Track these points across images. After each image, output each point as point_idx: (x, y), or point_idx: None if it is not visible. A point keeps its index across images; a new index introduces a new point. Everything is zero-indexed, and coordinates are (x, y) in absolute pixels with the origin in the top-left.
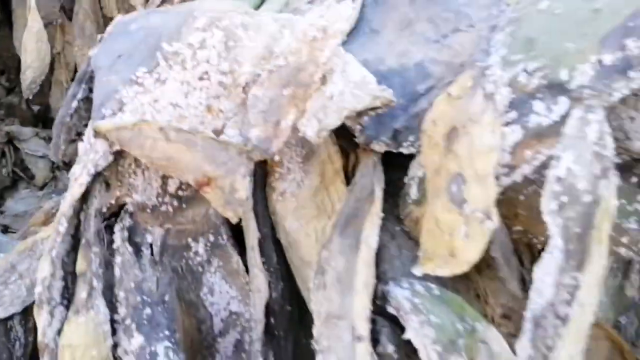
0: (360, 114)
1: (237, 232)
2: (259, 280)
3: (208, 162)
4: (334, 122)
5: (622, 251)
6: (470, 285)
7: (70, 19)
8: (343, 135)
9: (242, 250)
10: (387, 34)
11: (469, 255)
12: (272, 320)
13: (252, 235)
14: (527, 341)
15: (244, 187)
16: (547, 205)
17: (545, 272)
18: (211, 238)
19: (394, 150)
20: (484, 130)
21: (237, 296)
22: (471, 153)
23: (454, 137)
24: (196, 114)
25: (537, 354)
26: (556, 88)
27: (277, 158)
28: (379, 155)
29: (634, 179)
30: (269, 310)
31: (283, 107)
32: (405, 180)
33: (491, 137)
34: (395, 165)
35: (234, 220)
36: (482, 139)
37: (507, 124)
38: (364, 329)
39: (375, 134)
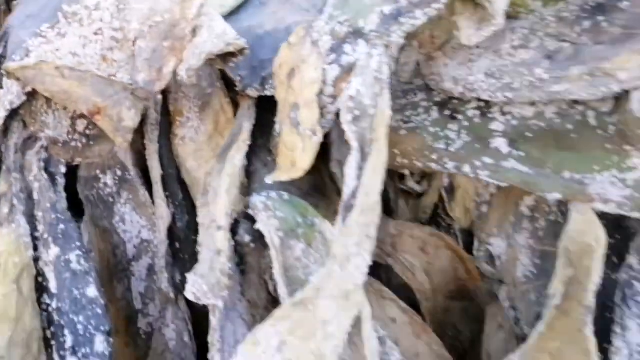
0: (224, 59)
1: (144, 171)
2: (162, 209)
3: (97, 95)
4: (196, 63)
5: (433, 165)
6: (329, 202)
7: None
8: (235, 90)
9: (149, 187)
10: (272, 5)
11: (303, 163)
12: (177, 245)
13: (155, 173)
14: (340, 222)
15: (130, 118)
16: (345, 117)
17: (350, 169)
18: (118, 172)
19: (262, 94)
20: (310, 68)
21: (146, 225)
22: (302, 86)
23: (292, 75)
24: (93, 62)
25: (345, 229)
26: (357, 34)
27: (159, 97)
28: (254, 99)
29: (447, 112)
30: (174, 237)
31: (164, 57)
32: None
33: (314, 73)
34: (274, 110)
35: (123, 146)
36: (308, 74)
37: (329, 63)
38: (224, 221)
39: (250, 82)
